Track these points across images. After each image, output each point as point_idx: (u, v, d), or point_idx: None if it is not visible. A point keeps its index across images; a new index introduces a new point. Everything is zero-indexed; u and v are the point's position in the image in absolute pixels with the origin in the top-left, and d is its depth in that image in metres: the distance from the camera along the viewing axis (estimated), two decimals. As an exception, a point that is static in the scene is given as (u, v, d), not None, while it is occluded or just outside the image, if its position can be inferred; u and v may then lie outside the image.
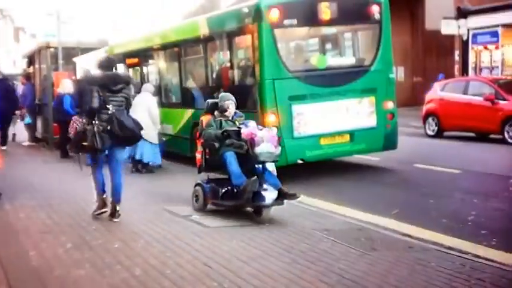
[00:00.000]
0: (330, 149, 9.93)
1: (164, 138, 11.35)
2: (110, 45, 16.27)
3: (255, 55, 9.74)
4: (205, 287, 4.55)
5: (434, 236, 6.14)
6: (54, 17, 20.86)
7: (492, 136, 15.13)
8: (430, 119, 16.84)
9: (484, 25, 23.01)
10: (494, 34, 22.98)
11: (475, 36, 23.77)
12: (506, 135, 14.45)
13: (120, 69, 15.26)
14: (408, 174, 10.33)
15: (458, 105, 15.91)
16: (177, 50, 12.52)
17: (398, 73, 27.35)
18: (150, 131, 10.79)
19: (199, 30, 11.42)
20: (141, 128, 7.25)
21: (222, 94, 7.84)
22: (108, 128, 6.71)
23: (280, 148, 6.97)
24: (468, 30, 23.73)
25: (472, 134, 15.90)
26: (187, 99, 12.24)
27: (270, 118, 9.42)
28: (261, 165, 6.79)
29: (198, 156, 7.46)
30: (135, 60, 14.66)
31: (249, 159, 6.79)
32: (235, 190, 6.92)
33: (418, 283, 4.55)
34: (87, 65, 13.45)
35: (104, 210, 7.07)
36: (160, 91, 13.09)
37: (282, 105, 9.49)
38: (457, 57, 24.56)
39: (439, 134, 16.48)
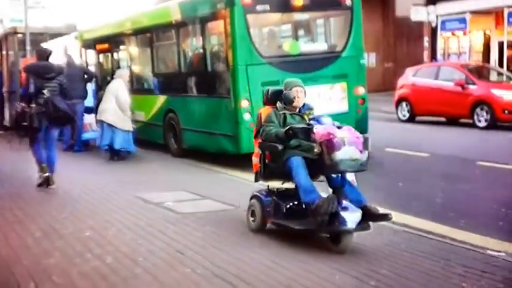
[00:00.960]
0: (302, 135, 9.96)
1: (135, 126, 11.26)
2: (80, 30, 16.03)
3: (227, 41, 9.70)
4: (177, 273, 4.56)
5: (404, 218, 6.26)
6: (21, 1, 20.47)
7: (462, 120, 15.42)
8: (402, 104, 17.05)
9: (453, 12, 23.32)
10: (462, 21, 23.31)
11: (443, 22, 24.09)
12: (475, 119, 14.72)
13: (90, 55, 15.13)
14: (379, 159, 10.42)
15: (430, 90, 16.14)
16: (149, 35, 12.41)
17: (370, 59, 27.59)
18: (119, 118, 10.75)
19: (172, 16, 11.33)
20: (74, 111, 8.51)
21: (288, 80, 6.02)
22: (44, 110, 7.72)
23: (367, 153, 5.17)
24: (437, 16, 24.02)
25: (443, 119, 16.16)
26: (159, 85, 12.16)
27: (243, 104, 9.42)
28: (339, 175, 5.15)
29: (256, 160, 5.83)
30: (106, 46, 14.46)
31: (322, 167, 5.11)
32: (304, 206, 5.30)
33: (389, 265, 4.63)
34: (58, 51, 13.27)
35: (45, 174, 8.05)
36: (132, 77, 12.96)
37: (254, 91, 9.48)
38: (426, 44, 24.86)
39: (411, 119, 16.71)
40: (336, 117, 9.97)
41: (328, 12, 10.94)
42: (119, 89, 10.89)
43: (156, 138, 11.96)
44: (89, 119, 12.29)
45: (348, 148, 4.98)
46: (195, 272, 4.56)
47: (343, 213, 4.92)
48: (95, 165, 10.46)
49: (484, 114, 14.55)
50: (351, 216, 4.95)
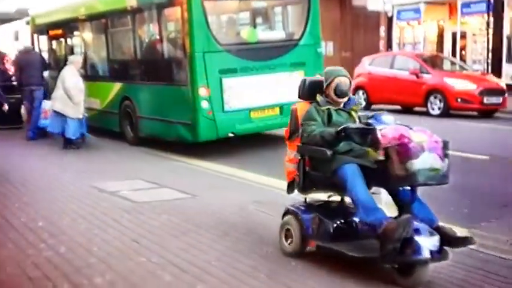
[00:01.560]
0: (261, 122, 10.00)
1: (87, 114, 11.07)
2: (32, 15, 15.59)
3: (184, 28, 9.60)
4: (132, 262, 4.51)
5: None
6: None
7: (417, 109, 15.71)
8: (359, 93, 17.25)
9: (408, 1, 23.70)
10: (417, 11, 23.72)
11: (399, 12, 24.47)
12: (429, 107, 15.04)
13: (43, 41, 14.74)
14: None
15: (385, 79, 16.38)
16: (104, 21, 12.16)
17: (328, 48, 27.77)
18: (68, 106, 10.56)
19: (127, 1, 11.13)
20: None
21: (329, 68, 4.89)
22: None
23: (447, 161, 4.16)
24: (393, 6, 24.36)
25: (398, 107, 16.44)
26: (115, 72, 11.96)
27: (201, 92, 9.36)
28: (407, 189, 4.12)
29: (291, 167, 4.80)
30: (59, 31, 14.13)
31: (385, 178, 4.05)
32: (357, 225, 4.32)
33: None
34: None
35: None
36: (86, 64, 12.71)
37: (212, 79, 9.43)
38: (382, 33, 25.21)
39: (367, 107, 16.91)
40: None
41: (286, 0, 10.97)
42: (66, 75, 10.70)
43: (112, 126, 11.77)
44: (48, 105, 12.06)
45: (428, 155, 3.94)
46: (150, 261, 4.52)
47: (417, 238, 3.85)
48: (50, 154, 10.24)
49: (438, 102, 14.87)
50: (428, 242, 3.88)
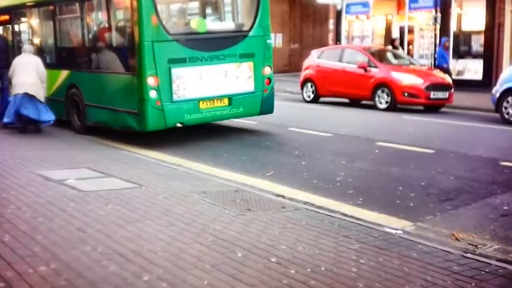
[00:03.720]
0: (209, 113, 9.98)
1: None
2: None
3: (133, 16, 9.47)
4: (78, 251, 4.45)
5: (305, 196, 6.44)
6: None
7: (364, 102, 15.98)
8: (307, 85, 17.40)
9: (357, -5, 24.02)
10: (366, 5, 24.11)
11: (348, 6, 24.79)
12: (376, 100, 15.31)
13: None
14: (283, 138, 10.67)
15: (334, 72, 16.57)
16: (52, 8, 11.87)
17: (277, 40, 27.97)
18: (39, 90, 10.73)
19: (75, -12, 10.90)
20: None
21: None
22: None
23: None
24: (342, 0, 24.65)
25: (346, 100, 16.69)
26: (62, 60, 11.71)
27: (149, 81, 9.27)
28: None
29: None
30: (6, 17, 13.72)
31: None
32: None
33: (289, 241, 4.75)
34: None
35: None
36: (34, 51, 12.36)
37: (161, 69, 9.36)
38: (331, 26, 25.50)
39: (315, 100, 17.11)
40: (243, 96, 10.26)
41: (237, -9, 10.98)
42: (38, 61, 10.86)
43: (58, 114, 11.52)
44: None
45: None
46: (96, 250, 4.47)
47: None
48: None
49: (385, 96, 15.15)
50: None
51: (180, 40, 9.67)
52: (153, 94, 9.28)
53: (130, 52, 9.62)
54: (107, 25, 10.51)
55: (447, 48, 18.72)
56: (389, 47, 17.99)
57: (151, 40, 9.30)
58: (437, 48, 18.74)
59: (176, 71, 9.51)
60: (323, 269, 4.15)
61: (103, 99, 10.36)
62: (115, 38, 10.27)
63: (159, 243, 4.68)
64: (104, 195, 6.19)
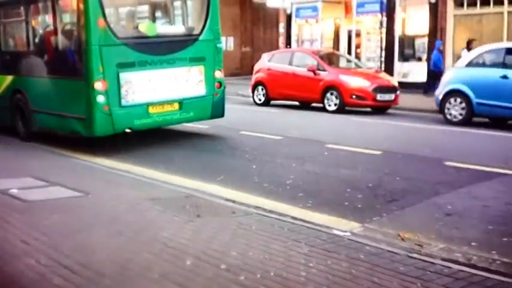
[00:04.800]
0: (159, 118, 9.89)
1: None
2: None
3: (81, 20, 9.30)
4: (22, 264, 4.32)
5: (256, 200, 6.44)
6: None
7: (314, 104, 16.16)
8: (258, 88, 17.48)
9: (306, 0, 24.32)
10: (315, 9, 24.43)
11: (298, 10, 25.06)
12: (326, 103, 15.52)
13: None
14: (235, 141, 10.67)
15: (284, 75, 16.72)
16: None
17: (228, 43, 28.00)
18: None
19: (20, -9, 10.63)
20: None
21: None
22: None
23: None
24: (291, 4, 24.90)
25: (296, 103, 16.84)
26: (6, 64, 11.38)
27: (97, 86, 9.11)
28: None
29: None
30: None
31: None
32: None
33: (239, 247, 4.73)
34: None
35: None
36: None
37: (109, 73, 9.21)
38: (282, 30, 25.73)
39: (266, 103, 17.20)
40: (193, 100, 10.20)
41: (186, -6, 10.93)
42: None
43: (2, 121, 11.20)
44: None
45: None
46: (40, 263, 4.34)
47: None
48: None
49: (334, 98, 15.38)
50: None
51: (128, 44, 9.55)
52: (100, 99, 9.13)
53: (77, 56, 9.45)
54: (53, 28, 10.28)
55: (442, 52, 18.87)
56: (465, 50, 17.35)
57: (98, 44, 9.15)
58: (433, 52, 18.83)
59: (125, 75, 9.38)
60: (272, 274, 4.15)
61: (50, 105, 10.13)
62: (61, 42, 10.07)
63: (105, 253, 4.58)
64: (49, 205, 6.04)
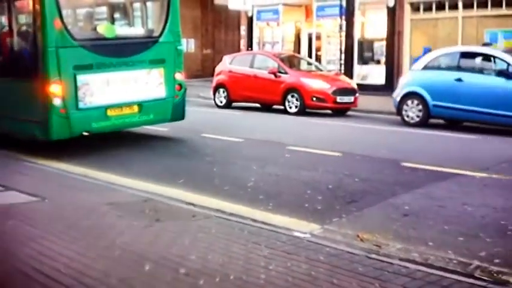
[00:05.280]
0: (118, 120, 9.78)
1: None
2: None
3: (37, 21, 9.12)
4: (-25, 272, 4.21)
5: (216, 203, 6.41)
6: None
7: (276, 107, 16.24)
8: (219, 91, 17.46)
9: (267, 3, 24.47)
10: (276, 12, 24.58)
11: (259, 13, 25.16)
12: (287, 105, 15.64)
13: None
14: (195, 144, 10.63)
15: (245, 77, 16.76)
16: None
17: (189, 45, 27.91)
18: None
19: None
20: None
21: None
22: None
23: None
24: (253, 6, 24.99)
25: (258, 105, 16.89)
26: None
27: (54, 89, 8.95)
28: None
29: None
30: None
31: None
32: None
33: (199, 251, 4.71)
34: None
35: None
36: None
37: (66, 75, 9.06)
38: (243, 32, 25.78)
39: (228, 105, 17.20)
40: (153, 103, 10.12)
41: (145, -4, 10.85)
42: None
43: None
44: None
45: None
46: (-6, 271, 4.25)
47: None
48: None
49: (295, 101, 15.50)
50: None
51: (86, 46, 9.41)
52: (57, 102, 8.97)
53: (33, 58, 9.25)
54: (9, 30, 10.04)
55: None
56: None
57: (55, 46, 8.99)
58: None
59: (82, 78, 9.24)
60: (232, 277, 4.15)
61: (4, 108, 9.88)
62: (17, 44, 9.85)
63: (63, 259, 4.49)
64: (4, 211, 5.89)
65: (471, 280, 4.21)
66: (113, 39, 9.89)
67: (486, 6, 19.25)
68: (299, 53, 23.35)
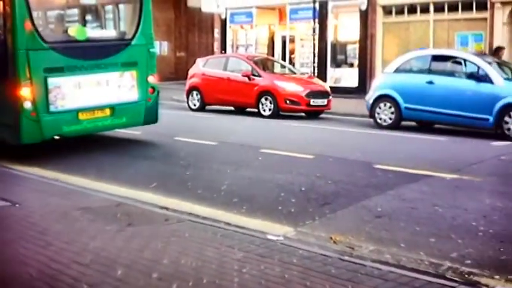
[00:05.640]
0: (90, 124, 9.67)
1: None
2: None
3: (6, 23, 8.97)
4: None
5: (190, 207, 6.39)
6: None
7: (249, 109, 16.25)
8: (193, 93, 17.40)
9: (241, 6, 24.50)
10: (249, 15, 24.61)
11: (232, 15, 25.17)
12: (260, 108, 15.66)
13: None
14: (169, 148, 10.58)
15: (219, 80, 16.73)
16: None
17: (162, 48, 27.78)
18: None
19: None
20: None
21: None
22: None
23: None
24: (226, 9, 24.98)
25: (232, 108, 16.88)
26: None
27: (24, 92, 8.82)
28: None
29: None
30: None
31: None
32: None
33: (172, 255, 4.68)
34: None
35: None
36: None
37: (36, 78, 8.93)
38: (216, 35, 25.75)
39: (201, 108, 17.15)
40: (125, 106, 10.04)
41: (117, -1, 10.78)
42: None
43: None
44: None
45: None
46: (-38, 278, 4.16)
47: None
48: None
49: (268, 103, 15.53)
50: None
51: (57, 48, 9.29)
52: (27, 105, 8.84)
53: (3, 60, 9.09)
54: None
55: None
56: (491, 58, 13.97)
57: (25, 48, 8.86)
58: None
59: (53, 81, 9.13)
60: (205, 281, 4.13)
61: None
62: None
63: (34, 265, 4.43)
64: (-27, 216, 5.79)
65: (443, 281, 4.27)
66: (85, 41, 9.78)
67: (457, 10, 19.57)
68: (273, 55, 23.41)
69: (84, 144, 10.29)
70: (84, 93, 9.47)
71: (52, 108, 9.12)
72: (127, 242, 5.04)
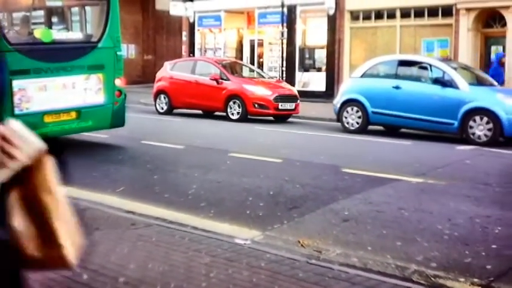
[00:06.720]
0: (56, 127, 9.52)
1: None
2: None
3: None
4: None
5: (157, 211, 6.33)
6: None
7: (217, 113, 16.22)
8: (160, 97, 17.29)
9: (209, 9, 24.46)
10: (218, 18, 24.59)
11: (200, 19, 25.12)
12: (229, 112, 15.65)
13: None
14: (135, 151, 10.48)
15: (187, 84, 16.66)
16: None
17: (129, 51, 27.54)
18: None
19: None
20: None
21: None
22: None
23: None
24: (194, 12, 24.93)
25: (200, 111, 16.82)
26: None
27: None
28: None
29: None
30: None
31: None
32: None
33: (139, 259, 4.63)
34: None
35: None
36: None
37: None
38: (184, 38, 25.67)
39: (169, 111, 17.04)
40: (91, 109, 9.92)
41: (84, 1, 10.64)
42: None
43: None
44: None
45: None
46: None
47: None
48: None
49: (237, 107, 15.54)
50: None
51: (22, 50, 9.13)
52: (-8, 109, 8.64)
53: (-36, 63, 8.91)
54: None
55: (503, 64, 15.92)
56: None
57: (-11, 50, 8.68)
58: (492, 65, 15.68)
59: (18, 83, 8.95)
60: (173, 285, 4.10)
61: None
62: None
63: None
64: None
65: (409, 284, 4.32)
66: (51, 44, 9.64)
67: (423, 16, 19.90)
68: (241, 59, 23.44)
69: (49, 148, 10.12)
70: (50, 96, 9.33)
71: (17, 111, 8.94)
72: (93, 246, 4.95)
